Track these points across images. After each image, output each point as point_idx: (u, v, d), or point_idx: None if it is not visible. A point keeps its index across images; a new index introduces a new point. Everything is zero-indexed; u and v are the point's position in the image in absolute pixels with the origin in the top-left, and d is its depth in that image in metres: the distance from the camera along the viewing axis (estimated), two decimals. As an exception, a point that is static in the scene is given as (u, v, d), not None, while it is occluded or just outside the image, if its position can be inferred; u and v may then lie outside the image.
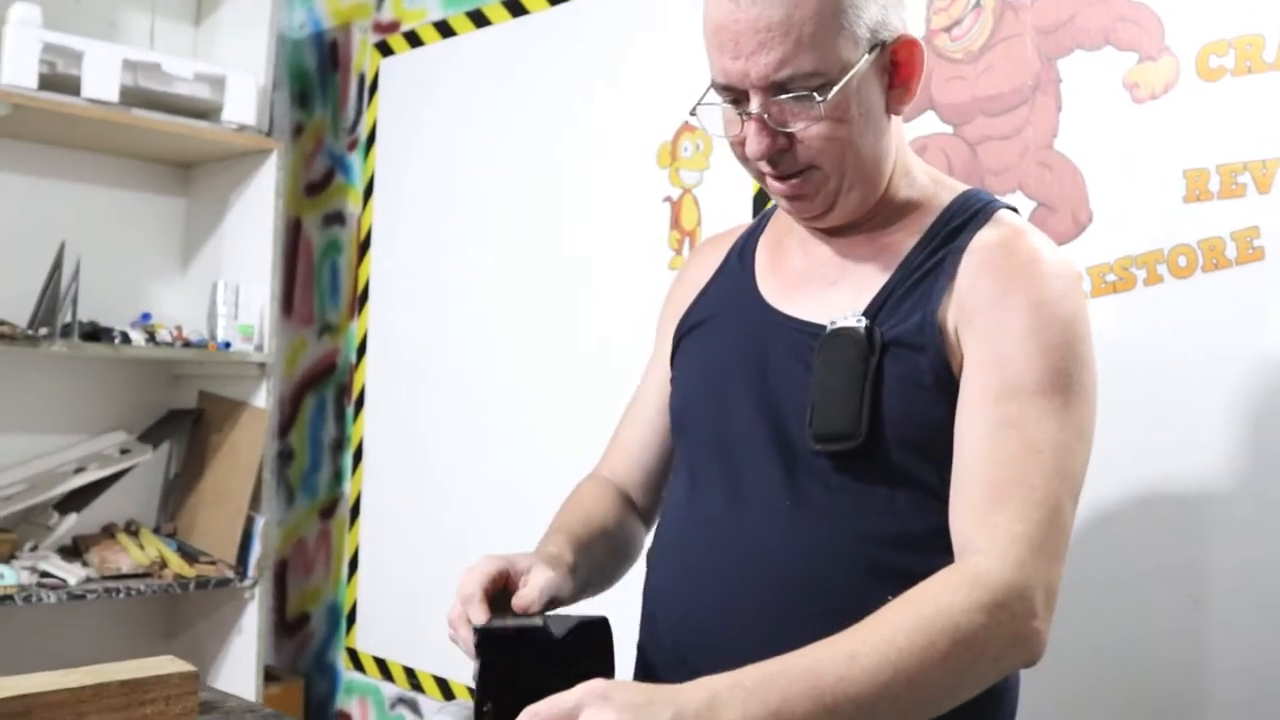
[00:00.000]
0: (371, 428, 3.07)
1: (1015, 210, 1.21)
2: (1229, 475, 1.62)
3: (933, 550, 1.09)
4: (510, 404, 2.67)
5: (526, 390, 2.63)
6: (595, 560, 1.22)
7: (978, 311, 1.10)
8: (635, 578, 1.33)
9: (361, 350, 3.11)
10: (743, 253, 1.30)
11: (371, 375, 3.07)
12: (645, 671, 1.23)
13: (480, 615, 1.06)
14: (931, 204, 1.19)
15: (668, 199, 2.36)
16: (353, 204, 3.18)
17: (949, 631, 0.94)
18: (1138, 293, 1.72)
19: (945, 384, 1.11)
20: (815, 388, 1.12)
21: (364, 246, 3.11)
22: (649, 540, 1.33)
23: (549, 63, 2.62)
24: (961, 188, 1.23)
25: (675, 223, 2.34)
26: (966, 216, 1.17)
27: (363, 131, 3.14)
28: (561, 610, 1.14)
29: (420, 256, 2.93)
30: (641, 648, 1.26)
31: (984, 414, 1.07)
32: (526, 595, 1.08)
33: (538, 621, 1.07)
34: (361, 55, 3.16)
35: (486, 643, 1.06)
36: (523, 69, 2.68)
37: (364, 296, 3.10)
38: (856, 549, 1.10)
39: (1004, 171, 1.87)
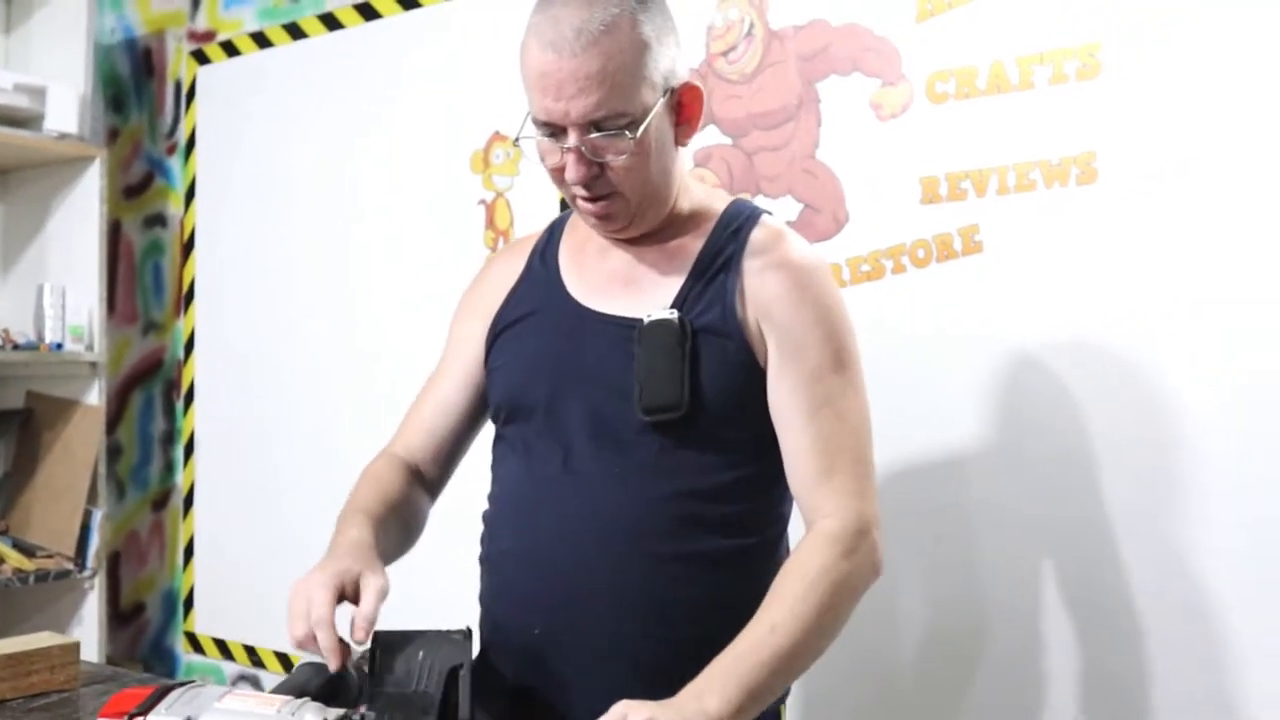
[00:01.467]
0: (203, 420, 3.20)
1: (771, 214, 1.48)
2: (964, 429, 1.96)
3: (738, 498, 1.36)
4: (336, 392, 2.85)
5: (351, 378, 2.82)
6: (391, 538, 1.40)
7: (770, 308, 1.37)
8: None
9: (189, 347, 3.23)
10: (544, 257, 1.50)
11: (200, 370, 3.20)
12: (494, 624, 1.44)
13: (333, 639, 1.18)
14: (709, 212, 1.45)
15: (482, 201, 2.58)
16: (174, 206, 3.28)
17: (831, 585, 1.26)
18: (887, 280, 2.04)
19: (749, 363, 1.36)
20: (641, 369, 1.35)
21: (188, 247, 3.23)
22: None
23: (364, 73, 2.80)
24: (729, 198, 1.49)
25: (490, 223, 2.57)
26: (740, 222, 1.43)
27: (181, 136, 3.25)
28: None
29: (245, 256, 3.07)
30: (489, 607, 1.46)
31: (799, 399, 1.35)
32: (368, 613, 1.20)
33: (421, 628, 1.24)
34: (177, 63, 3.27)
35: (378, 647, 1.21)
36: (340, 79, 2.85)
37: (190, 295, 3.22)
38: (679, 502, 1.35)
39: (776, 178, 2.17)
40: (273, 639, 2.98)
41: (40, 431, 3.10)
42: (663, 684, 1.31)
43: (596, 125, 1.30)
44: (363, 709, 1.15)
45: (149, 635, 3.35)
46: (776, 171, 2.16)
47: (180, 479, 3.28)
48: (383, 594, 1.22)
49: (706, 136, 2.24)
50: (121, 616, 3.39)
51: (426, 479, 1.53)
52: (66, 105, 2.89)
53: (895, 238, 2.03)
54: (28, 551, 2.95)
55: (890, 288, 2.03)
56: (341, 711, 1.11)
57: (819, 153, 2.11)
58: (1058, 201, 1.87)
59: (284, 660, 2.95)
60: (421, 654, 1.25)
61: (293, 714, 1.08)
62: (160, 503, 3.34)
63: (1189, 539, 1.77)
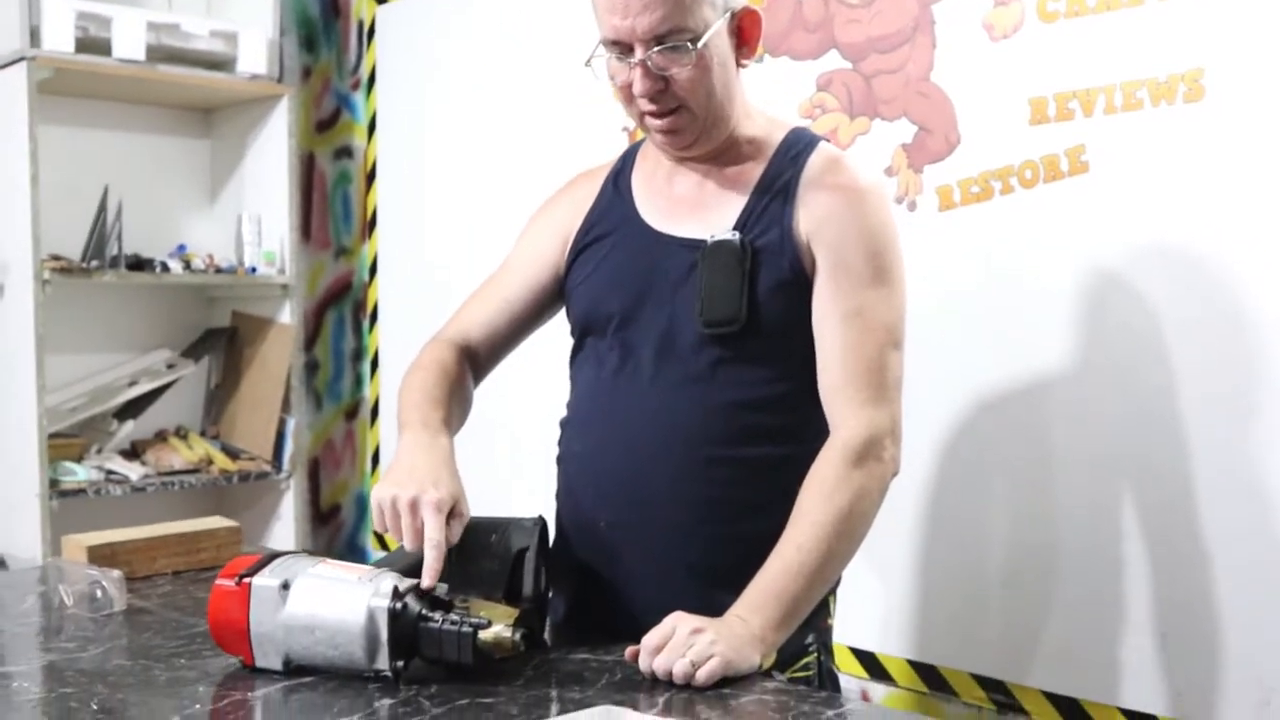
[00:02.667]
0: (385, 338, 3.47)
1: (829, 141, 1.56)
2: (1067, 349, 1.99)
3: (788, 409, 1.48)
4: (501, 312, 3.04)
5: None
6: (455, 428, 1.53)
7: (822, 226, 1.47)
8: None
9: (373, 270, 3.50)
10: (618, 183, 1.61)
11: (383, 291, 3.46)
12: (566, 519, 1.59)
13: (441, 561, 1.28)
14: (770, 139, 1.54)
15: (625, 129, 2.71)
16: (358, 139, 3.54)
17: (846, 497, 1.39)
18: (995, 201, 2.07)
19: (801, 281, 1.47)
20: (704, 285, 1.46)
21: (370, 177, 3.48)
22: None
23: (520, 10, 2.95)
24: (790, 125, 1.57)
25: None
26: (800, 148, 1.52)
27: (364, 73, 3.49)
28: None
29: (419, 185, 3.30)
30: (562, 503, 1.61)
31: (836, 308, 1.46)
32: (453, 540, 1.34)
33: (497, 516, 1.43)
34: (360, 2, 3.51)
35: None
36: (500, 15, 3.01)
37: (373, 222, 3.49)
38: (733, 411, 1.47)
39: (892, 100, 2.21)
40: (445, 539, 3.24)
41: (243, 347, 3.43)
42: (713, 579, 1.45)
43: (659, 40, 1.40)
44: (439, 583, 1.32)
45: (344, 534, 3.68)
46: (893, 94, 2.20)
47: (367, 392, 3.57)
48: (465, 524, 1.37)
49: (828, 61, 2.30)
50: (321, 517, 3.72)
51: (477, 364, 1.65)
52: (256, 48, 3.15)
53: (1004, 159, 2.05)
54: (232, 454, 3.29)
55: (998, 209, 2.06)
56: (415, 581, 1.28)
57: (933, 75, 2.14)
58: (1164, 120, 1.86)
59: (455, 558, 3.20)
60: (494, 538, 1.41)
61: (371, 580, 1.26)
62: (352, 414, 3.64)
63: (1270, 470, 1.77)
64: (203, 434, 3.44)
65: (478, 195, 3.11)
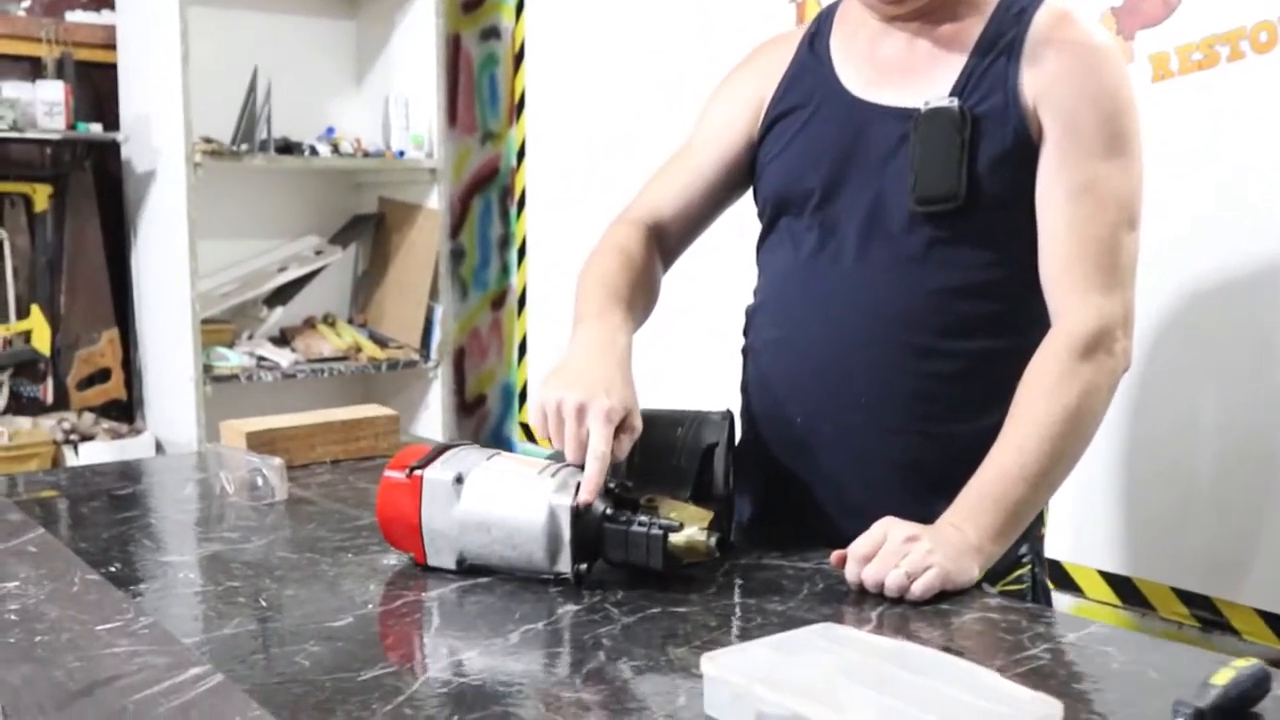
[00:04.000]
0: (533, 225, 3.37)
1: None
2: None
3: (1007, 297, 1.33)
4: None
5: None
6: (638, 322, 1.39)
7: (1050, 90, 1.30)
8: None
9: (521, 155, 3.39)
10: (814, 48, 1.45)
11: (531, 177, 3.35)
12: (754, 414, 1.46)
13: (603, 477, 1.14)
14: None
15: (792, 0, 2.53)
16: (506, 19, 3.41)
17: (1072, 392, 1.24)
18: (1222, 69, 1.85)
19: (1027, 152, 1.31)
20: (917, 158, 1.32)
21: (518, 59, 3.35)
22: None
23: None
24: None
25: (799, 20, 2.51)
26: (1024, 3, 1.35)
27: (512, -52, 3.35)
28: None
29: (570, 67, 3.16)
30: (751, 396, 1.48)
31: (1063, 181, 1.29)
32: (620, 457, 1.20)
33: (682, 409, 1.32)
34: (507, -127, 3.35)
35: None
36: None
37: (520, 105, 3.36)
38: (947, 297, 1.32)
39: (1103, -43, 1.99)
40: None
41: (390, 234, 3.37)
42: (920, 481, 1.31)
43: None
44: (623, 480, 1.21)
45: (490, 425, 3.64)
46: (1103, -49, 1.98)
47: (514, 280, 3.49)
48: (635, 438, 1.22)
49: (1027, -84, 2.07)
50: (467, 407, 3.69)
51: (666, 246, 1.51)
52: (403, -79, 3.03)
53: (1233, 20, 1.82)
54: (381, 343, 3.26)
55: (1226, 77, 1.84)
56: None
57: (1151, -73, 1.92)
58: None
59: (605, 452, 3.13)
60: (681, 432, 1.30)
61: (553, 475, 1.16)
62: (498, 302, 3.58)
63: None
64: (350, 321, 3.40)
65: (632, 75, 2.96)
